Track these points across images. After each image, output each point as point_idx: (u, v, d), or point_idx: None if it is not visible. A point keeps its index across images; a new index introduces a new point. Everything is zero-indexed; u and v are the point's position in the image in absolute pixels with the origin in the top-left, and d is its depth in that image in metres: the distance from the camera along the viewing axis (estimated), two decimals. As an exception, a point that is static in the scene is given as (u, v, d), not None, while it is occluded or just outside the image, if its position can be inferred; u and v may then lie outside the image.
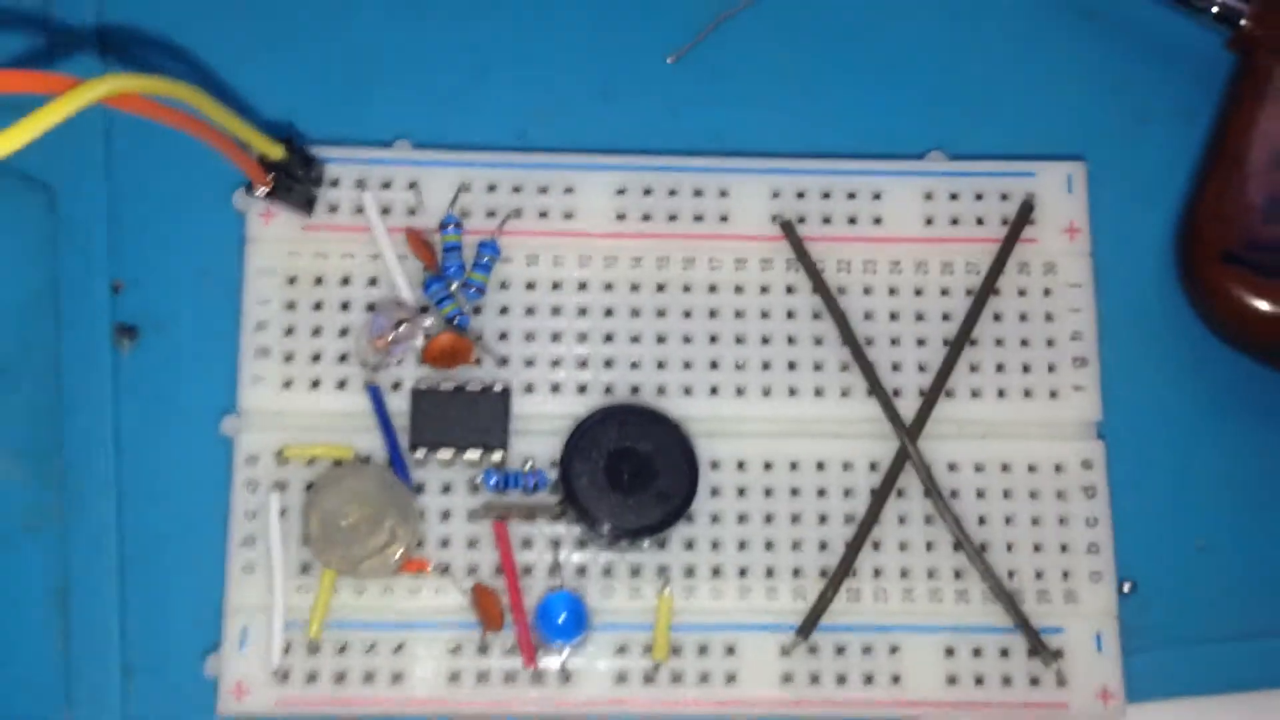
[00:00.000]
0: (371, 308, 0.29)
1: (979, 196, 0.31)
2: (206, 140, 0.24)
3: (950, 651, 0.29)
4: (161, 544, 0.30)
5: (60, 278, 0.31)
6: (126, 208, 0.31)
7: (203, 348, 0.30)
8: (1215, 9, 0.31)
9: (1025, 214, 0.31)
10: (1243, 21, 0.31)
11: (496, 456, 0.29)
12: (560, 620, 0.27)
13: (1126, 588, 0.30)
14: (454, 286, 0.29)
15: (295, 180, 0.28)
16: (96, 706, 0.29)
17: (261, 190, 0.27)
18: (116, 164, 0.31)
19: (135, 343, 0.31)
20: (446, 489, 0.29)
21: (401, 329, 0.27)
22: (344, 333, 0.29)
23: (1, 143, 0.18)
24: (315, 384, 0.29)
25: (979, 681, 0.29)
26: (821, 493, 0.30)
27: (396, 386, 0.29)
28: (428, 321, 0.28)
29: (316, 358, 0.29)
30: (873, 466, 0.30)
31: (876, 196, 0.31)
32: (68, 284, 0.31)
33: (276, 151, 0.27)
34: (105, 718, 0.29)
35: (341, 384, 0.29)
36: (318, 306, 0.30)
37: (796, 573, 0.29)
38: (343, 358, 0.29)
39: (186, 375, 0.30)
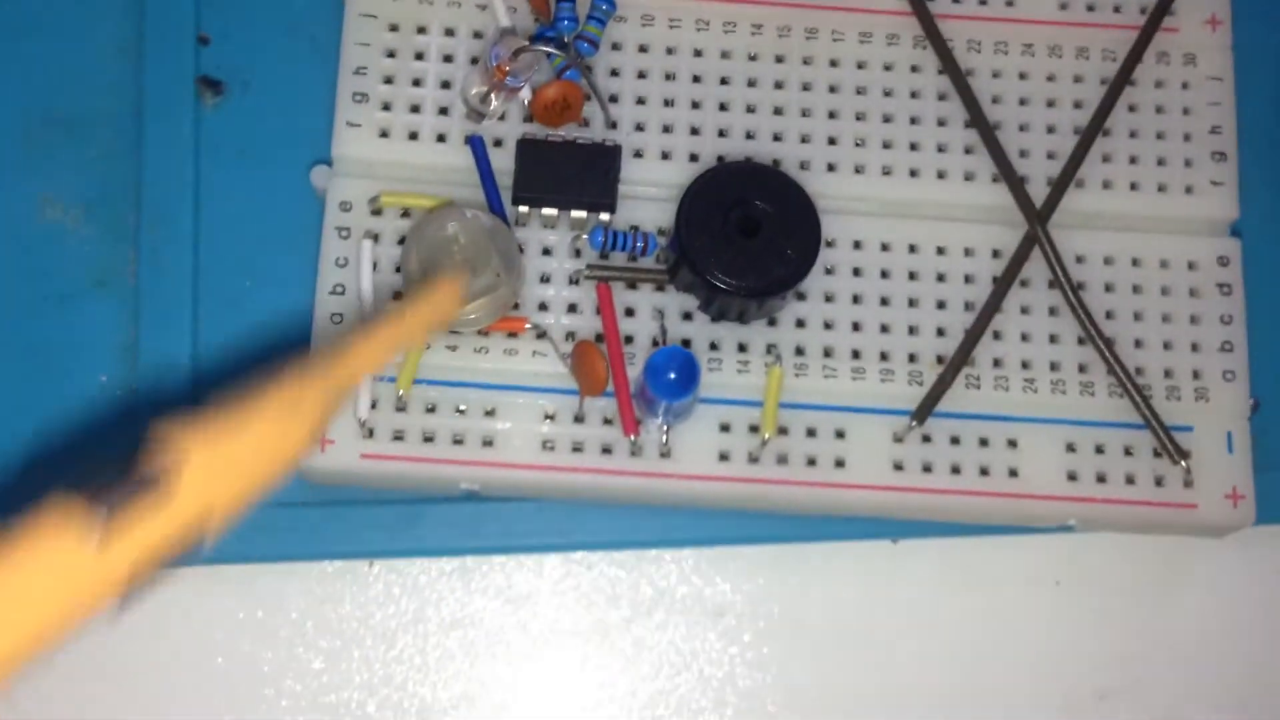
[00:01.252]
0: (476, 61, 0.28)
1: (1117, -19, 0.29)
2: None
3: (1071, 447, 0.27)
4: (240, 303, 0.28)
5: (144, 29, 0.29)
6: (216, -43, 0.30)
7: (292, 103, 0.29)
8: None
9: (1166, 3, 0.29)
10: None
11: (604, 217, 0.27)
12: (671, 376, 0.25)
13: (1251, 405, 0.28)
14: (567, 39, 0.28)
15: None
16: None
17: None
18: (204, -92, 0.30)
19: (221, 97, 0.29)
20: (547, 251, 0.27)
21: (521, 59, 0.26)
22: (445, 85, 0.28)
23: None
24: (413, 135, 0.28)
25: (1101, 479, 0.27)
26: (941, 278, 0.28)
27: (499, 144, 0.28)
28: (548, 50, 0.26)
29: (416, 109, 0.28)
30: (995, 254, 0.28)
31: (1009, -24, 0.29)
32: (151, 35, 0.29)
33: None
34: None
35: (441, 138, 0.28)
36: (419, 56, 0.28)
37: (912, 358, 0.27)
38: (443, 110, 0.28)
39: (273, 131, 0.29)
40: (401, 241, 0.27)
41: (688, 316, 0.27)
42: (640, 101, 0.28)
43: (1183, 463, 0.27)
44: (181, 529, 0.15)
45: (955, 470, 0.27)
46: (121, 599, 0.15)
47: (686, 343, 0.27)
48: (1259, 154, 0.29)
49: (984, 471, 0.27)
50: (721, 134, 0.28)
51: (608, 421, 0.27)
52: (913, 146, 0.28)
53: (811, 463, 0.27)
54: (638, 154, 0.28)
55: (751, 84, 0.28)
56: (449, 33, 0.28)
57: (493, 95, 0.27)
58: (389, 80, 0.28)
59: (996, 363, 0.28)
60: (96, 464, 0.16)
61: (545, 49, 0.26)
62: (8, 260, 0.28)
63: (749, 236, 0.26)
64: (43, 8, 0.30)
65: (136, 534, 0.14)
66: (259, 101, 0.29)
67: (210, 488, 0.15)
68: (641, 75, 0.28)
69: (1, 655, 0.14)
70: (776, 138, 0.28)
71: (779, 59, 0.29)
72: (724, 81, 0.28)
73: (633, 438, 0.26)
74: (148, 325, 0.28)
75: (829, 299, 0.28)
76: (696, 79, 0.28)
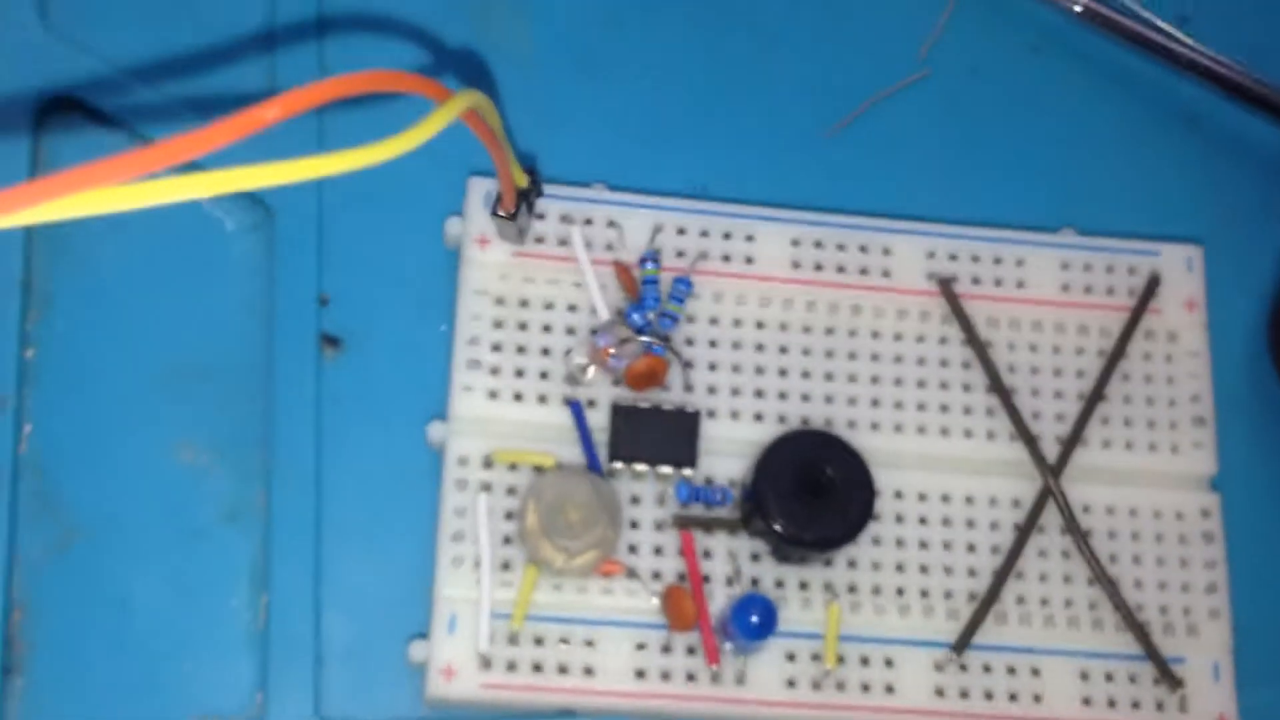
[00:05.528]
0: (571, 330, 0.32)
1: (1109, 269, 0.35)
2: (490, 150, 0.27)
3: (1085, 675, 0.32)
4: (360, 540, 0.32)
5: (274, 289, 0.33)
6: (336, 228, 0.34)
7: (403, 360, 0.33)
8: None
9: (1151, 288, 0.35)
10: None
11: (687, 472, 0.31)
12: (754, 620, 0.29)
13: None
14: (652, 316, 0.32)
15: (528, 208, 0.31)
16: (290, 693, 0.31)
17: (505, 214, 0.30)
18: (328, 186, 0.34)
19: (339, 351, 0.33)
20: (635, 500, 0.31)
21: (625, 347, 0.30)
22: (545, 352, 0.32)
23: (397, 146, 0.21)
24: (518, 397, 0.32)
25: (1111, 704, 0.32)
26: (970, 524, 0.32)
27: (592, 404, 0.32)
28: (645, 339, 0.31)
29: (520, 373, 0.32)
30: (1015, 504, 0.33)
31: (1019, 263, 0.35)
32: (280, 295, 0.33)
33: (522, 178, 0.30)
34: (298, 706, 0.30)
35: (542, 399, 0.32)
36: (522, 327, 0.32)
37: (948, 595, 0.32)
38: (543, 375, 0.32)
39: (388, 385, 0.33)
40: (510, 492, 0.31)
41: (755, 558, 0.31)
42: (712, 368, 0.33)
43: (1178, 691, 0.32)
44: None
45: (988, 696, 0.31)
46: None
47: (755, 582, 0.31)
48: (1235, 416, 0.35)
49: (1013, 697, 0.31)
50: (782, 396, 0.33)
51: (691, 651, 0.31)
52: (942, 408, 0.33)
53: (866, 689, 0.31)
54: (710, 414, 0.32)
55: (806, 352, 0.33)
56: (548, 306, 0.33)
57: (592, 368, 0.31)
58: (496, 348, 0.32)
59: (1020, 600, 0.32)
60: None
61: (646, 340, 0.31)
62: (148, 498, 0.32)
63: (814, 495, 0.31)
64: (181, 269, 0.33)
65: None
66: (374, 357, 0.33)
67: None
68: (713, 344, 0.33)
69: None
70: (828, 400, 0.33)
71: (829, 331, 0.33)
72: (783, 350, 0.33)
73: (714, 667, 0.30)
74: (275, 559, 0.31)
75: (876, 542, 0.32)
76: (759, 348, 0.33)
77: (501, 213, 0.30)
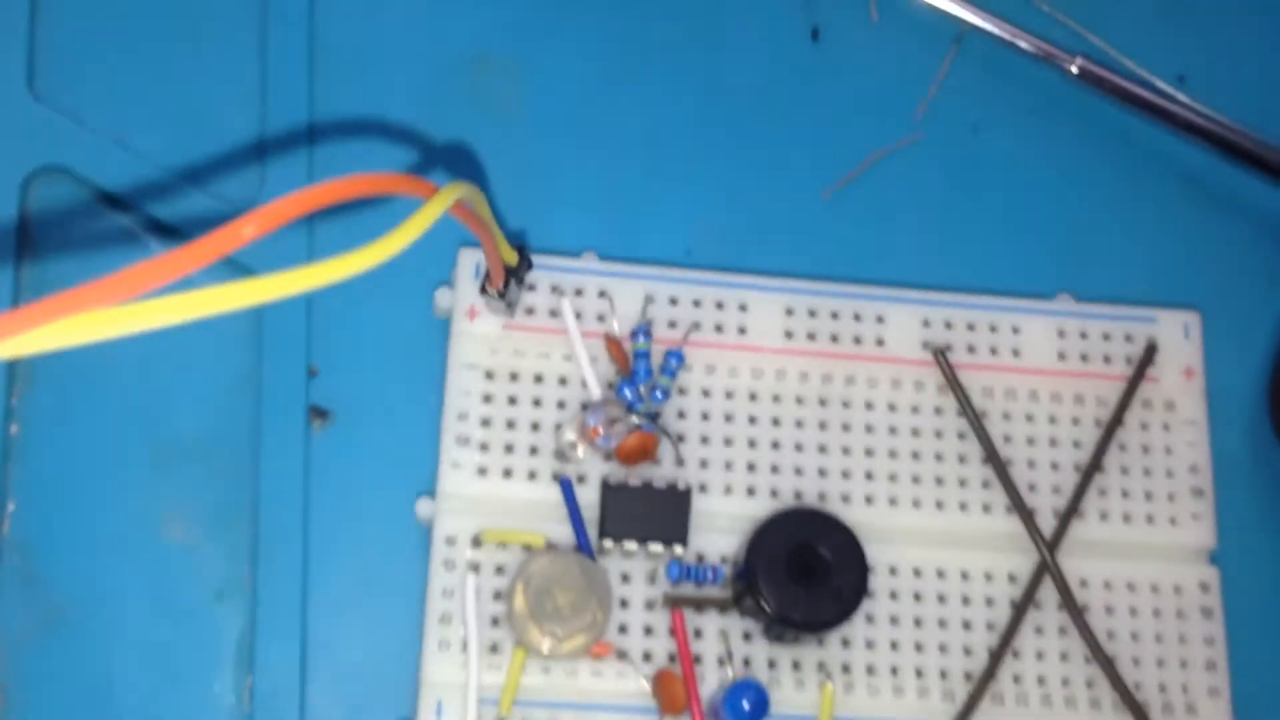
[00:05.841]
0: (562, 404, 0.32)
1: (1106, 337, 0.34)
2: (479, 236, 0.26)
3: (1084, 759, 0.31)
4: (346, 619, 0.31)
5: (262, 361, 0.33)
6: (325, 298, 0.33)
7: (393, 433, 0.33)
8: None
9: (1149, 356, 0.34)
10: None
11: (678, 550, 0.31)
12: (745, 706, 0.29)
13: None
14: (643, 390, 0.32)
15: (517, 283, 0.30)
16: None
17: (494, 291, 0.29)
18: (318, 256, 0.34)
19: (328, 423, 0.33)
20: (625, 579, 0.31)
21: (616, 426, 0.30)
22: (535, 427, 0.32)
23: (383, 250, 0.21)
24: (507, 473, 0.31)
25: (1109, 786, 0.31)
26: (965, 600, 0.32)
27: (582, 479, 0.32)
28: (635, 419, 0.30)
29: (509, 449, 0.32)
30: (1011, 579, 0.32)
31: (1015, 331, 0.34)
32: (268, 366, 0.33)
33: (512, 257, 0.29)
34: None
35: (531, 475, 0.31)
36: (512, 401, 0.32)
37: (944, 674, 0.31)
38: (533, 450, 0.32)
39: (376, 458, 0.32)
40: (499, 571, 0.30)
41: (747, 637, 0.31)
42: (704, 441, 0.32)
43: (1178, 771, 0.31)
44: None
45: (984, 778, 0.31)
46: None
47: (747, 661, 0.31)
48: (1235, 487, 0.34)
49: (1010, 779, 0.31)
50: (774, 470, 0.32)
51: (681, 736, 0.30)
52: (937, 481, 0.33)
53: (860, 771, 0.31)
54: (702, 488, 0.32)
55: (799, 424, 0.33)
56: (538, 379, 0.32)
57: (581, 445, 0.31)
58: (486, 423, 0.32)
59: (1016, 679, 0.32)
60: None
61: (637, 421, 0.30)
62: (134, 577, 0.31)
63: (807, 575, 0.30)
64: (167, 341, 0.33)
65: None
66: (363, 429, 0.33)
67: None
68: (705, 417, 0.32)
69: None
70: (822, 473, 0.32)
71: (822, 402, 0.33)
72: (775, 423, 0.33)
73: (705, 751, 0.30)
74: (262, 637, 0.31)
75: (870, 620, 0.32)
76: (752, 420, 0.33)
77: (490, 290, 0.30)
